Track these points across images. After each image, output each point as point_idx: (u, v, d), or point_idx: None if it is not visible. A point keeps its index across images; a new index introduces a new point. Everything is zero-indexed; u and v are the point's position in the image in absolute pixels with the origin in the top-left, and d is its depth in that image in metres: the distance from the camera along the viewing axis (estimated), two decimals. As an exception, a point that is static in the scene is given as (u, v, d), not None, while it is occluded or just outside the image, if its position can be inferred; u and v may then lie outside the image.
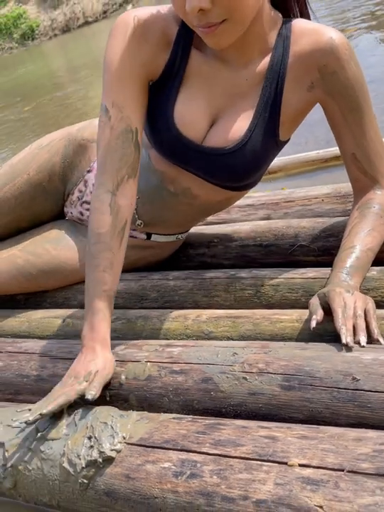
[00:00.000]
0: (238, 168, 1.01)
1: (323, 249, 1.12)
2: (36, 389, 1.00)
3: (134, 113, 0.98)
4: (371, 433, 0.64)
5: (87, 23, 16.90)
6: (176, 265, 1.27)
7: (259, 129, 0.98)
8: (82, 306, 1.24)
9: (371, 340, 0.79)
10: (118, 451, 0.76)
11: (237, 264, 1.22)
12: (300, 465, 0.63)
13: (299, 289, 1.01)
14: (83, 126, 1.31)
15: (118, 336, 1.08)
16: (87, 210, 1.27)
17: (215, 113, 1.01)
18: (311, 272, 1.03)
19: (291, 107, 0.98)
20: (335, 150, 1.66)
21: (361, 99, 0.97)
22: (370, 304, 0.84)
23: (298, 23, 0.97)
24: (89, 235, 0.97)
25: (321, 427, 0.68)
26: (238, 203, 1.37)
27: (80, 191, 1.28)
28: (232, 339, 0.96)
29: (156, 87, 1.01)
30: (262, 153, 1.00)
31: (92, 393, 0.83)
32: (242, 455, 0.67)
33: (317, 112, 1.02)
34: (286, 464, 0.64)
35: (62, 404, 0.83)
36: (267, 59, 0.97)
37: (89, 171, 1.26)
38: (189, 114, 0.99)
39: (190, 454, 0.70)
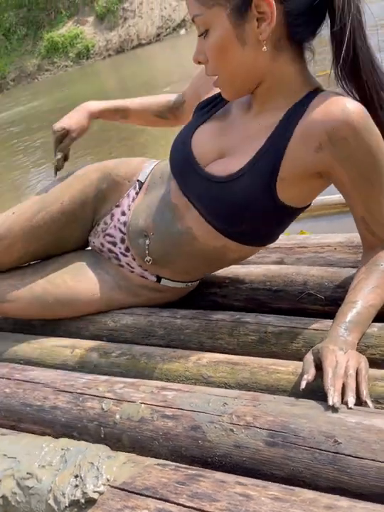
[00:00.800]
0: (223, 202, 1.05)
1: (330, 299, 1.12)
2: (37, 419, 1.03)
3: (191, 96, 1.35)
4: (343, 501, 0.64)
5: (140, 45, 17.29)
6: (187, 303, 1.29)
7: (255, 174, 1.01)
8: (93, 338, 1.28)
9: (360, 401, 0.79)
10: (101, 493, 0.77)
11: (247, 306, 1.23)
12: (269, 528, 0.63)
13: (300, 339, 1.01)
14: (120, 163, 1.36)
15: (121, 371, 1.11)
16: (108, 242, 1.30)
17: (225, 150, 1.09)
18: (314, 323, 1.03)
19: (292, 163, 0.99)
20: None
21: (373, 168, 0.96)
22: (363, 364, 0.84)
23: (327, 93, 0.99)
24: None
25: (296, 490, 0.68)
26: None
27: (105, 223, 1.32)
28: (229, 385, 0.97)
29: (197, 108, 1.19)
30: (252, 199, 1.02)
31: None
32: (216, 511, 0.68)
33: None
34: (256, 525, 0.64)
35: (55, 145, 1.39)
36: (282, 113, 1.01)
37: (117, 206, 1.30)
38: (203, 140, 1.12)
39: (167, 503, 0.71)
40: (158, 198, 1.20)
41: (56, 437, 0.97)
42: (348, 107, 0.93)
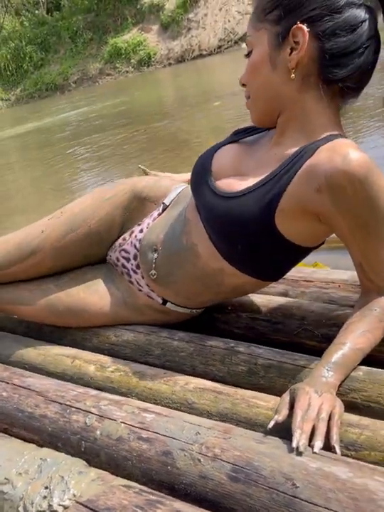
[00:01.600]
0: (222, 216, 1.07)
1: (326, 337, 1.11)
2: (27, 425, 1.06)
3: None
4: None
5: (201, 55, 17.44)
6: (188, 325, 1.31)
7: (256, 197, 1.03)
8: (95, 350, 1.31)
9: (329, 445, 0.79)
10: (65, 508, 0.80)
11: (246, 335, 1.24)
12: None
13: (288, 375, 1.02)
14: (150, 185, 1.38)
15: (114, 387, 1.14)
16: (123, 257, 1.33)
17: (240, 171, 1.13)
18: (303, 360, 1.03)
19: (293, 197, 1.00)
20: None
21: (370, 218, 0.96)
22: (338, 409, 0.83)
23: (342, 140, 1.00)
24: None
25: (245, 529, 0.69)
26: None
27: (124, 239, 1.35)
28: (211, 413, 0.99)
29: (234, 132, 1.23)
30: (249, 219, 1.03)
31: None
32: (165, 540, 0.69)
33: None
34: None
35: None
36: (296, 148, 1.03)
37: (139, 225, 1.34)
38: (224, 157, 1.17)
39: (123, 526, 0.74)
40: (175, 215, 1.24)
41: (42, 445, 1.00)
42: (351, 156, 0.94)
